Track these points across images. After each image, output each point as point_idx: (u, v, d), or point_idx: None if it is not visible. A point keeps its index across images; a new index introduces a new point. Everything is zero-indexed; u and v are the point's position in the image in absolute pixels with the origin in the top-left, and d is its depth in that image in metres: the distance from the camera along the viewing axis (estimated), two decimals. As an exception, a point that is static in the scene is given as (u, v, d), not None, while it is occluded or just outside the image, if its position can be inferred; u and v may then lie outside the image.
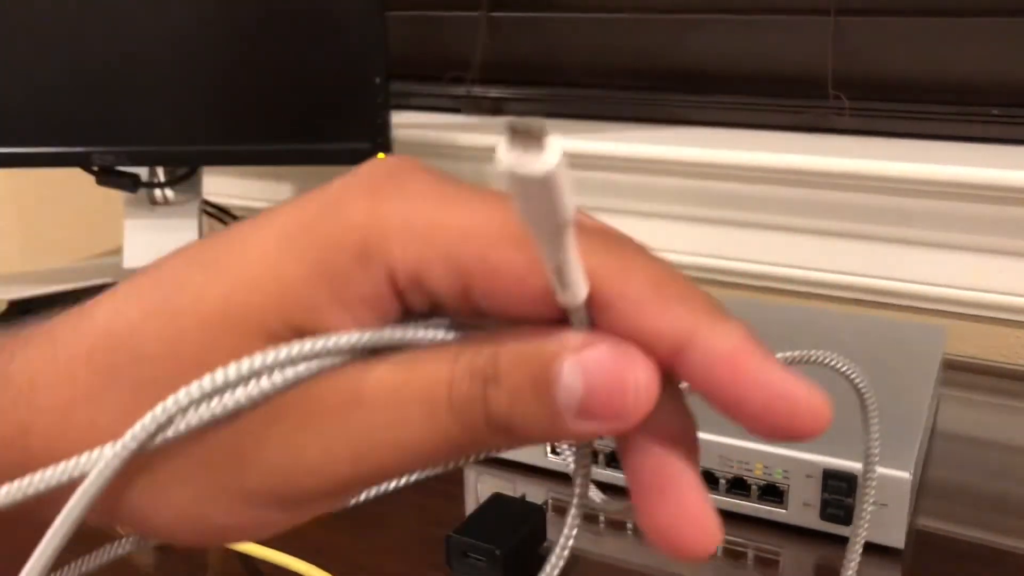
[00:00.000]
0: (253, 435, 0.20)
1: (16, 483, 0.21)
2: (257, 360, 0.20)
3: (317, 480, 0.20)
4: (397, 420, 0.20)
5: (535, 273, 0.19)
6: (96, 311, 0.22)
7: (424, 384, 0.20)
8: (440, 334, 0.21)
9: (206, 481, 0.21)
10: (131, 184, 0.90)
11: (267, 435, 0.20)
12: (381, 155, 0.84)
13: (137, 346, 0.20)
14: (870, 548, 0.50)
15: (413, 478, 0.25)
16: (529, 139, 0.16)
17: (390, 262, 0.19)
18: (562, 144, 0.16)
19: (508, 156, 0.16)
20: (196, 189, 0.94)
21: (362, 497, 0.26)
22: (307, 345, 0.20)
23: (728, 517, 0.53)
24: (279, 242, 0.20)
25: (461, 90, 1.01)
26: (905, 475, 0.48)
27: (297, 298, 0.20)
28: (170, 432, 0.20)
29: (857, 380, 0.27)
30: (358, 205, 0.20)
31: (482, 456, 0.21)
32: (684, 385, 0.20)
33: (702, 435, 0.52)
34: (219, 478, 0.21)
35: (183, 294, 0.20)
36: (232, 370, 0.20)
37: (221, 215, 1.09)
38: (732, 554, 0.50)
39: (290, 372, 0.20)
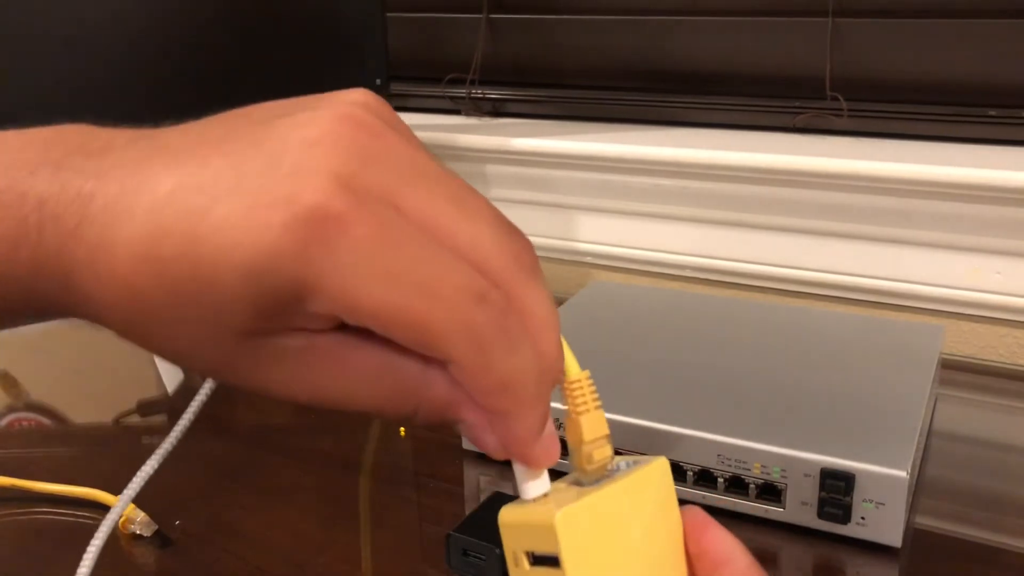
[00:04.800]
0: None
1: None
2: None
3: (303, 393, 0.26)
4: (373, 390, 0.26)
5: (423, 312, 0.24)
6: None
7: (403, 382, 0.26)
8: None
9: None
10: (133, 185, 0.90)
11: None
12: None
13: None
14: (868, 547, 0.50)
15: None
16: None
17: (320, 312, 0.24)
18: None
19: None
20: (198, 190, 0.94)
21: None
22: None
23: (726, 516, 0.53)
24: (243, 278, 0.23)
25: (461, 91, 1.02)
26: (902, 474, 0.48)
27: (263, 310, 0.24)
28: None
29: None
30: (304, 265, 0.23)
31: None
32: None
33: (701, 434, 0.53)
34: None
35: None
36: None
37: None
38: (730, 552, 0.50)
39: None
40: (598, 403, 0.29)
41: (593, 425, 0.28)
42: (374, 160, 0.24)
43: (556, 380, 0.27)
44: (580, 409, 0.28)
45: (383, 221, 0.23)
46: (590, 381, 0.29)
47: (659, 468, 0.29)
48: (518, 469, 0.27)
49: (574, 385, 0.28)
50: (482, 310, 0.24)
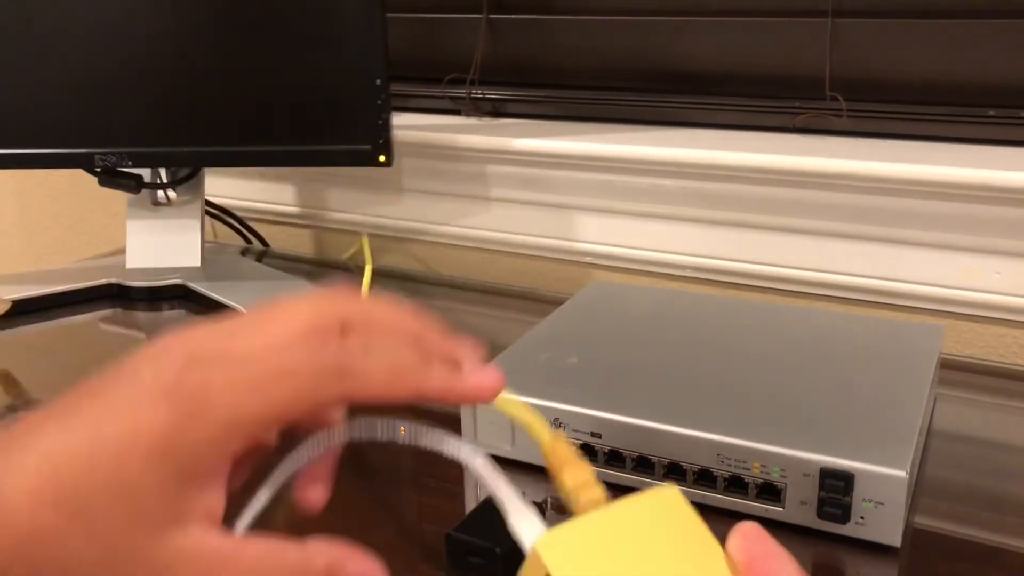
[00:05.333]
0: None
1: None
2: None
3: None
4: None
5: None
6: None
7: (287, 566, 0.31)
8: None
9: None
10: (134, 185, 0.90)
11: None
12: (383, 157, 0.84)
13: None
14: (867, 546, 0.50)
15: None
16: None
17: (229, 448, 0.31)
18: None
19: None
20: (198, 190, 0.94)
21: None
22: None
23: (725, 515, 0.53)
24: (149, 462, 0.29)
25: (461, 92, 1.02)
26: (901, 474, 0.48)
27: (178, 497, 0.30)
28: None
29: None
30: (205, 425, 0.29)
31: None
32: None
33: (701, 434, 0.53)
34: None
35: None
36: None
37: (223, 216, 1.09)
38: (730, 552, 0.50)
39: None
40: (574, 456, 0.32)
41: (575, 473, 0.31)
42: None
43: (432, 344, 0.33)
44: (557, 465, 0.32)
45: (231, 364, 0.30)
46: (563, 440, 0.32)
47: (664, 494, 0.31)
48: (510, 521, 0.30)
49: (547, 450, 0.32)
50: (327, 349, 0.31)
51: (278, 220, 1.14)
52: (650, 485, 0.54)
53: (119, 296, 0.91)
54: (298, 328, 0.31)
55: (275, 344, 0.31)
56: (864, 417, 0.53)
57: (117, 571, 0.29)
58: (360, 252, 0.99)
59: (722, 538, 0.31)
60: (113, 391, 0.30)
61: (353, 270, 1.01)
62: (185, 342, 0.31)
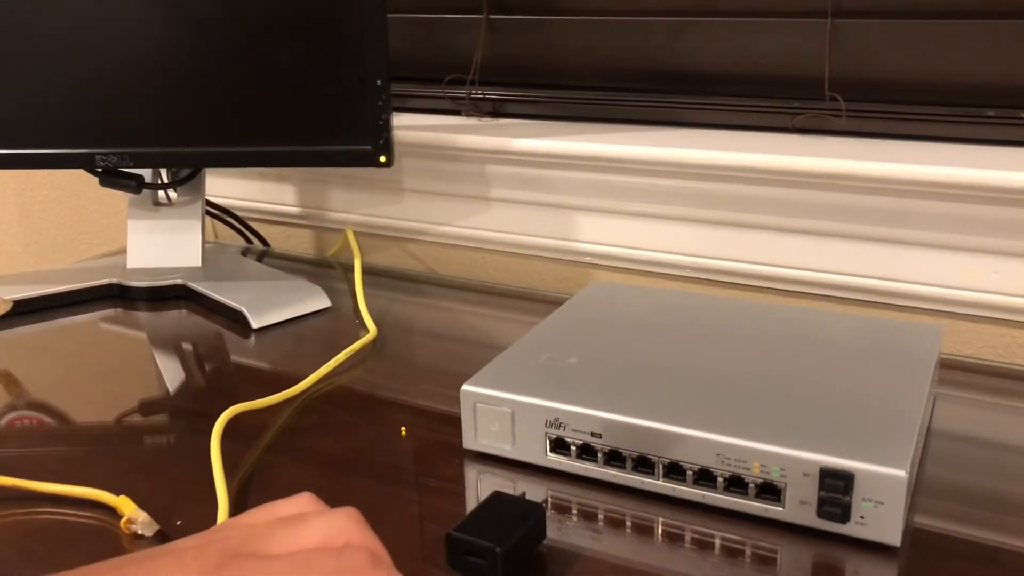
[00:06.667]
0: None
1: None
2: None
3: None
4: None
5: None
6: None
7: None
8: None
9: None
10: (135, 185, 0.90)
11: None
12: (383, 158, 0.85)
13: None
14: (867, 546, 0.50)
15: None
16: None
17: None
18: None
19: None
20: (199, 190, 0.94)
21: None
22: None
23: (725, 515, 0.53)
24: None
25: (461, 92, 1.02)
26: (901, 473, 0.48)
27: None
28: None
29: None
30: None
31: None
32: None
33: (701, 434, 0.54)
34: None
35: None
36: None
37: (223, 216, 1.09)
38: (729, 552, 0.50)
39: None
40: None
41: None
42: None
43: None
44: None
45: (264, 562, 0.35)
46: None
47: None
48: None
49: None
50: (343, 556, 0.36)
51: (278, 220, 1.15)
52: (650, 485, 0.54)
53: (120, 296, 0.91)
54: (319, 538, 0.37)
55: (300, 550, 0.37)
56: (864, 417, 0.53)
57: None
58: (345, 248, 0.99)
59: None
60: (157, 564, 0.35)
61: (336, 267, 1.01)
62: (225, 538, 0.37)
